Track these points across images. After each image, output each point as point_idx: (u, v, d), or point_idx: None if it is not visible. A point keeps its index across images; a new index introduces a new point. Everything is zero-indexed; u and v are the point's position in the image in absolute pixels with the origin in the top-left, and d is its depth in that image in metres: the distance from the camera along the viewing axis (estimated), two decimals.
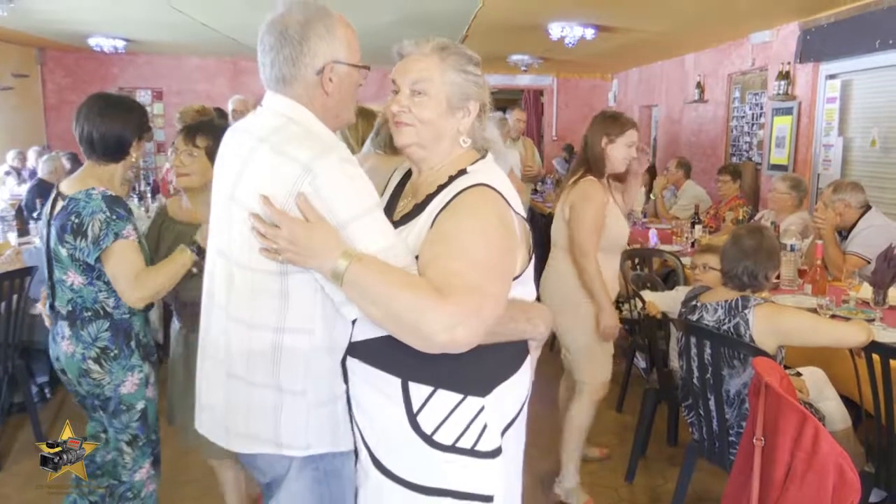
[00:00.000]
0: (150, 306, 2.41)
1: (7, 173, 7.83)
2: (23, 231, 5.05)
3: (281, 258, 1.35)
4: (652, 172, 7.81)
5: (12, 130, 9.22)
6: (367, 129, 2.58)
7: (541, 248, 2.86)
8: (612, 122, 3.00)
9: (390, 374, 1.40)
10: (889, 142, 5.39)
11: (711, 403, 2.62)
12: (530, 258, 1.49)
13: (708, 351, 2.60)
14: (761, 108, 7.10)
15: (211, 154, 2.28)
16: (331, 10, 1.45)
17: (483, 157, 1.51)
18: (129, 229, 2.19)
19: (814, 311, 2.98)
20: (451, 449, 1.40)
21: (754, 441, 2.03)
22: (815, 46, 6.01)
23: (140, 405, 2.33)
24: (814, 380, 2.79)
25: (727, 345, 2.55)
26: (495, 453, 1.41)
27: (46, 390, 4.13)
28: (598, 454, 3.57)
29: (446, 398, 1.39)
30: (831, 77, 6.03)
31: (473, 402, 1.40)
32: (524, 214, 1.48)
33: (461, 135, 1.49)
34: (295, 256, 1.32)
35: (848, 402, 2.78)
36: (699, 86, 8.17)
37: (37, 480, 3.22)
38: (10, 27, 7.71)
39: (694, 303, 2.76)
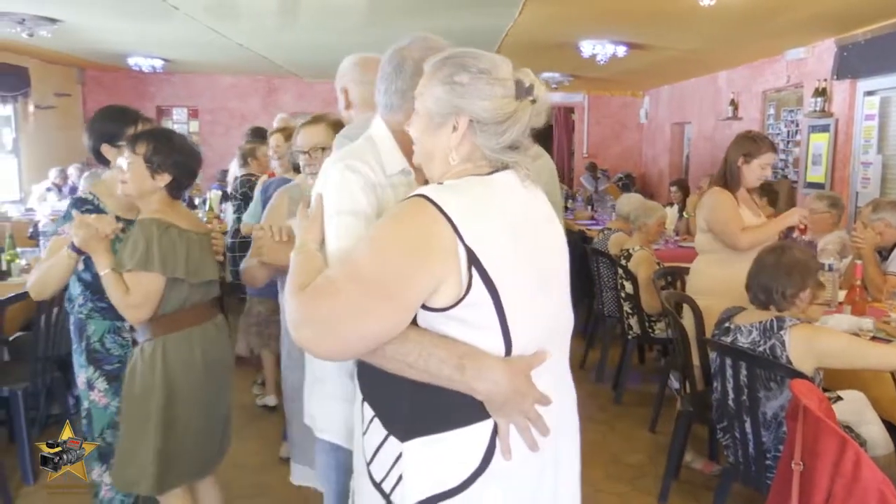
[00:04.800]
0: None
1: (48, 189, 8.04)
2: None
3: None
4: (685, 190, 7.74)
5: (54, 148, 9.48)
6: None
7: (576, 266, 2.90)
8: (751, 143, 3.36)
9: (358, 389, 1.38)
10: None
11: (748, 426, 2.57)
12: (469, 293, 1.20)
13: (744, 373, 2.55)
14: (797, 126, 7.01)
15: (149, 161, 2.23)
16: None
17: (489, 173, 1.31)
18: (66, 227, 2.32)
19: (853, 333, 2.91)
20: (378, 487, 1.30)
21: (793, 465, 1.98)
22: (853, 63, 5.92)
23: (85, 403, 2.47)
24: (855, 404, 2.72)
25: (763, 366, 2.50)
26: None
27: None
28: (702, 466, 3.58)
29: (377, 430, 1.30)
30: (869, 94, 5.93)
31: (393, 445, 1.27)
32: (476, 242, 1.21)
33: (451, 151, 1.31)
34: None
35: (890, 427, 2.70)
36: (733, 103, 8.10)
37: (71, 488, 3.28)
38: (53, 48, 7.95)
39: (727, 325, 2.72)
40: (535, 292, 1.29)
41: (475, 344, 1.23)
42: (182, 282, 2.26)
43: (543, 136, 6.36)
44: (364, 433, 1.33)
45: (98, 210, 2.37)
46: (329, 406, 1.59)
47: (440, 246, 1.20)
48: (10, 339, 3.67)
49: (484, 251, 1.21)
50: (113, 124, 2.46)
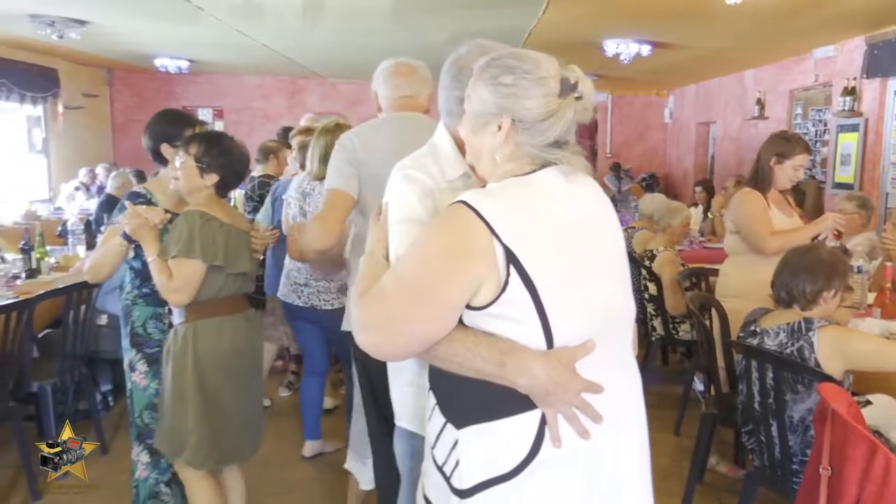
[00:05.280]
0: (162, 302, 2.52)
1: (77, 189, 8.18)
2: (91, 245, 5.23)
3: None
4: (710, 191, 7.66)
5: (83, 148, 9.64)
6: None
7: None
8: (785, 144, 3.30)
9: (427, 379, 1.45)
10: None
11: (774, 429, 2.53)
12: (507, 290, 1.24)
13: (770, 375, 2.51)
14: (825, 125, 6.90)
15: (199, 161, 2.39)
16: None
17: (532, 171, 1.34)
18: (120, 217, 2.49)
19: (884, 337, 2.86)
20: (440, 470, 1.38)
21: (820, 470, 1.95)
22: (883, 61, 5.82)
23: (129, 384, 2.63)
24: (885, 408, 2.67)
25: (791, 369, 2.46)
26: (464, 494, 1.32)
27: (110, 398, 4.25)
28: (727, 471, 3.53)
29: (438, 417, 1.39)
30: None
31: (450, 432, 1.34)
32: (511, 243, 1.24)
33: (496, 151, 1.34)
34: None
35: None
36: (759, 102, 8.00)
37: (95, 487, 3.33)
38: (82, 49, 8.08)
39: (753, 327, 2.68)
40: (581, 284, 1.30)
41: (516, 338, 1.27)
42: (219, 270, 2.38)
43: None
44: (429, 419, 1.42)
45: (150, 203, 2.55)
46: (405, 393, 1.67)
47: (477, 246, 1.25)
48: (39, 335, 3.74)
49: (521, 249, 1.24)
50: (172, 126, 2.65)
